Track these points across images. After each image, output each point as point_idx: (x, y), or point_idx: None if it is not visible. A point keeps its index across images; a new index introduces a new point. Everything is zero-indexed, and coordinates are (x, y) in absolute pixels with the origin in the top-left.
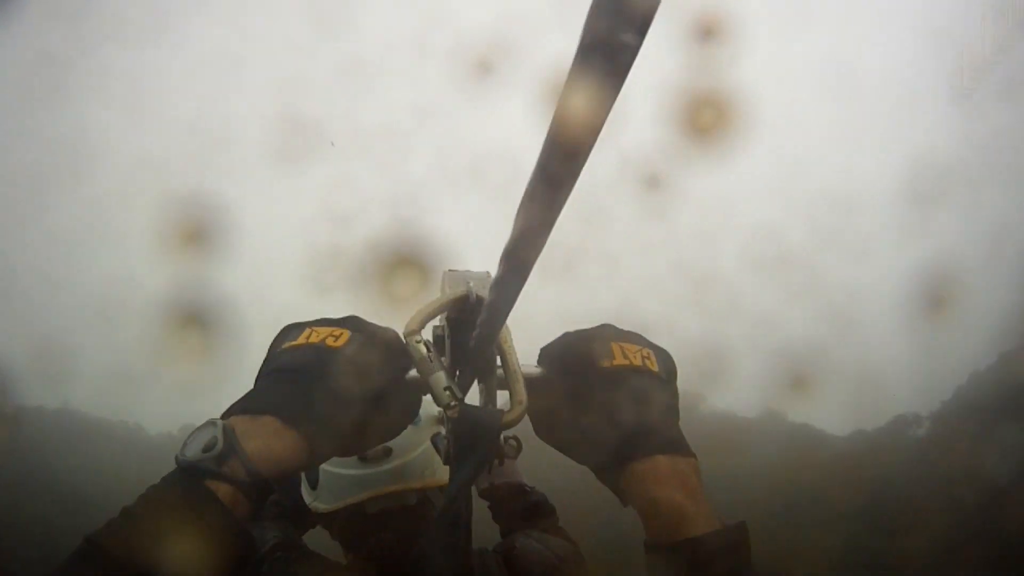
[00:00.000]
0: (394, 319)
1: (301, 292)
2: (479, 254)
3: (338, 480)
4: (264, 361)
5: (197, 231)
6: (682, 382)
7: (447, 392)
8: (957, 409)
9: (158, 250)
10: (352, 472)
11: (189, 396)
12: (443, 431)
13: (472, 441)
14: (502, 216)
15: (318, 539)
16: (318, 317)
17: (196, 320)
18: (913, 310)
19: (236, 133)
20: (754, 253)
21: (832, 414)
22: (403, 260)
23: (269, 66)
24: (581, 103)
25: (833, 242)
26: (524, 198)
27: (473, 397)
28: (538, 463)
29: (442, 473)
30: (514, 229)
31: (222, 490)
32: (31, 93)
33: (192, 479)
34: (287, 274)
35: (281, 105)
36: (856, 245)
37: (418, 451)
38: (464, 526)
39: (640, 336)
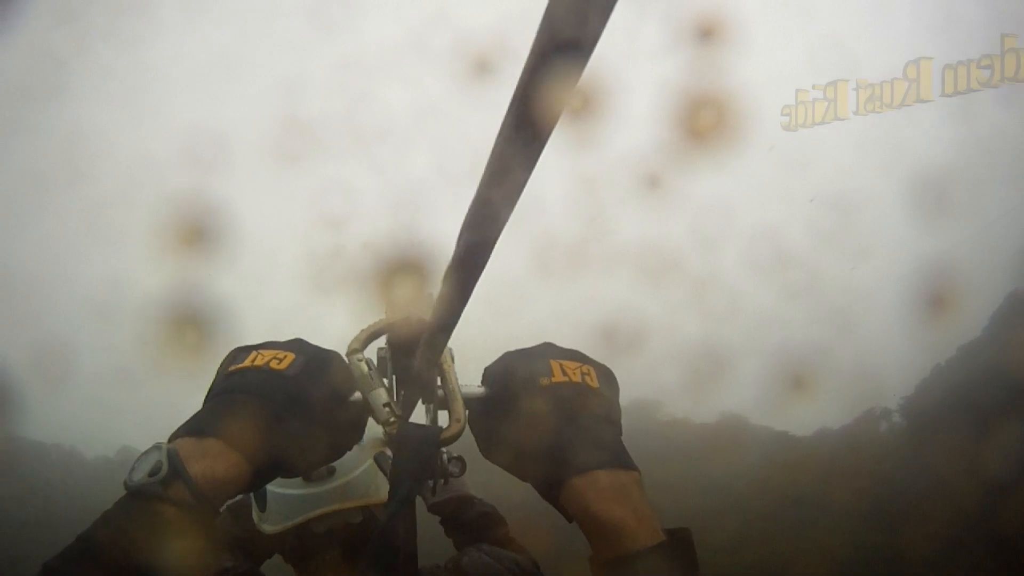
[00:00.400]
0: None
1: (298, 292)
2: None
3: (284, 501)
4: (211, 384)
5: (183, 234)
6: (640, 390)
7: (386, 409)
8: (922, 404)
9: (143, 257)
10: (297, 492)
11: (126, 419)
12: (386, 450)
13: (411, 456)
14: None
15: (274, 565)
16: (264, 341)
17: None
18: (873, 306)
19: (235, 134)
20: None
21: (791, 416)
22: (402, 264)
23: (268, 66)
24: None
25: (794, 238)
26: (468, 213)
27: (418, 418)
28: (491, 481)
29: (385, 491)
30: (458, 246)
31: (169, 513)
32: (31, 93)
33: (140, 503)
34: (285, 274)
35: (280, 106)
36: (819, 242)
37: (361, 469)
38: (406, 544)
39: (580, 354)
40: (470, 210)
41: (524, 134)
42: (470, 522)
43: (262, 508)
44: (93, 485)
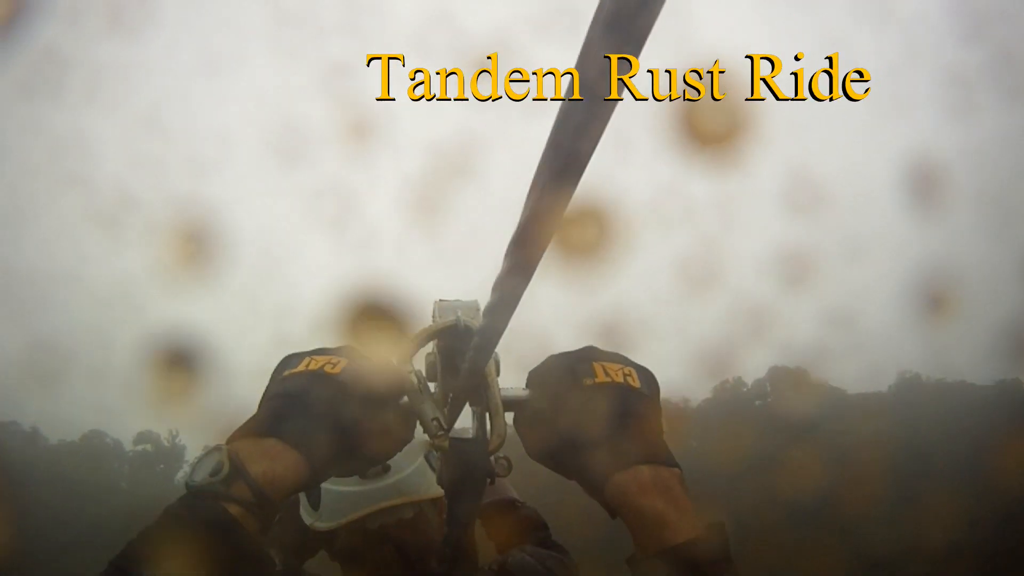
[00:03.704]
0: None
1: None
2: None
3: (339, 498)
4: (266, 388)
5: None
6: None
7: (434, 423)
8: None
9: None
10: (352, 489)
11: (93, 406)
12: (434, 449)
13: (462, 473)
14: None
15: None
16: (315, 347)
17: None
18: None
19: (235, 134)
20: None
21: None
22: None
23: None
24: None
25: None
26: (518, 227)
27: (465, 420)
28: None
29: (435, 488)
30: (505, 260)
31: (233, 511)
32: (30, 92)
33: (203, 502)
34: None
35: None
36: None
37: (413, 466)
38: (464, 555)
39: (622, 356)
40: (520, 224)
41: (582, 113)
42: (513, 524)
43: (315, 506)
44: (55, 468)
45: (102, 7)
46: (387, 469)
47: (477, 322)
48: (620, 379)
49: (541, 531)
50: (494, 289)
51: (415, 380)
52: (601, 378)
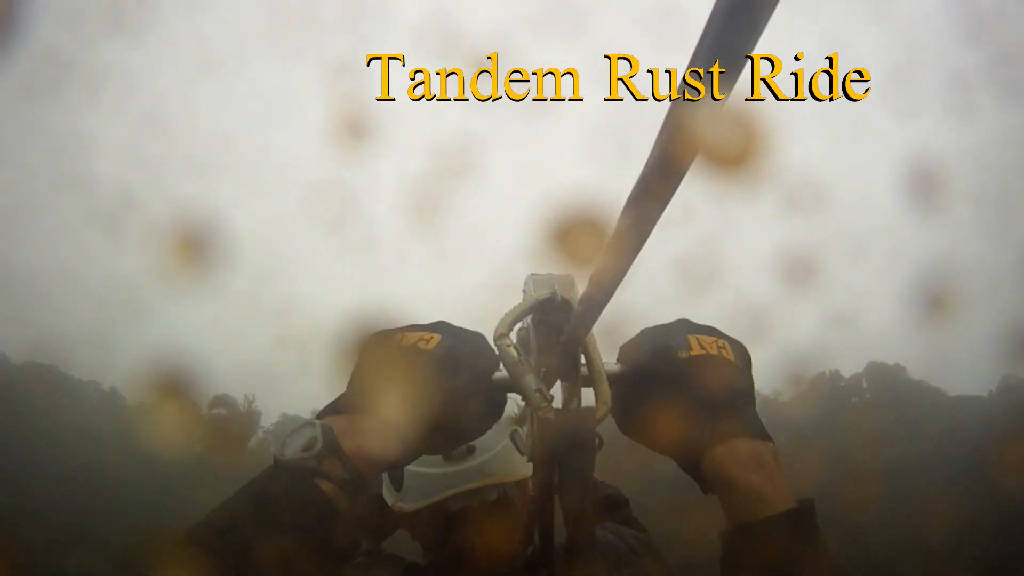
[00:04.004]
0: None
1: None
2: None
3: (424, 479)
4: (355, 365)
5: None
6: None
7: (538, 394)
8: None
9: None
10: (437, 471)
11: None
12: (520, 429)
13: (570, 444)
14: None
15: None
16: (408, 324)
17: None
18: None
19: (234, 134)
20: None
21: None
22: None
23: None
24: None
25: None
26: (634, 188)
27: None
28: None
29: (520, 469)
30: (621, 219)
31: (325, 486)
32: (29, 92)
33: (295, 476)
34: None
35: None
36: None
37: (499, 447)
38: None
39: (715, 329)
40: (635, 185)
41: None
42: (594, 502)
43: (398, 487)
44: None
45: (102, 7)
46: (471, 450)
47: (573, 293)
48: (715, 351)
49: (623, 508)
50: (602, 254)
51: (515, 353)
52: (696, 351)
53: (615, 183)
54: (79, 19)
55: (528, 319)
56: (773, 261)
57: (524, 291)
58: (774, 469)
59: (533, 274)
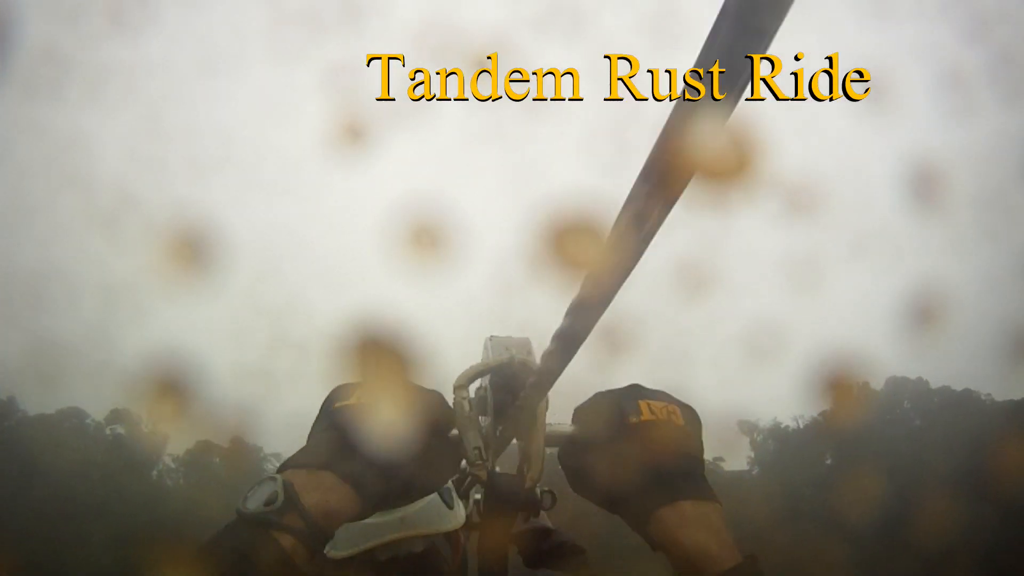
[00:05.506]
0: None
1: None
2: None
3: (354, 528)
4: (317, 419)
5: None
6: None
7: (475, 451)
8: None
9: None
10: (366, 520)
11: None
12: (449, 483)
13: (497, 506)
14: None
15: None
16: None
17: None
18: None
19: (234, 136)
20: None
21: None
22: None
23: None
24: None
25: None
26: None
27: (512, 453)
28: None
29: (449, 522)
30: (566, 315)
31: (284, 540)
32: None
33: (255, 529)
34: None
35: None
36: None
37: (425, 501)
38: None
39: (666, 394)
40: (587, 276)
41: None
42: (549, 551)
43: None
44: None
45: (102, 7)
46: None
47: (530, 359)
48: (664, 417)
49: (577, 557)
50: (554, 339)
51: (467, 406)
52: (647, 416)
53: (616, 183)
54: (79, 19)
55: (486, 379)
56: (776, 272)
57: (484, 351)
58: (720, 527)
59: (492, 336)
